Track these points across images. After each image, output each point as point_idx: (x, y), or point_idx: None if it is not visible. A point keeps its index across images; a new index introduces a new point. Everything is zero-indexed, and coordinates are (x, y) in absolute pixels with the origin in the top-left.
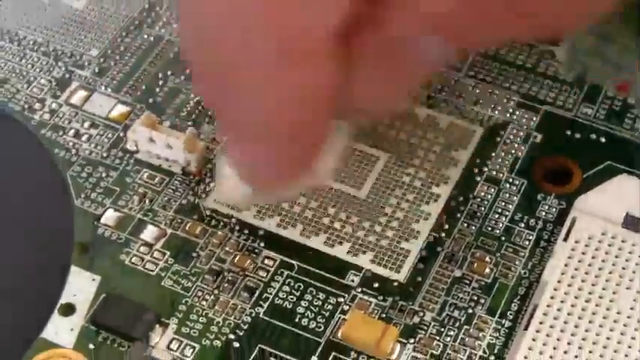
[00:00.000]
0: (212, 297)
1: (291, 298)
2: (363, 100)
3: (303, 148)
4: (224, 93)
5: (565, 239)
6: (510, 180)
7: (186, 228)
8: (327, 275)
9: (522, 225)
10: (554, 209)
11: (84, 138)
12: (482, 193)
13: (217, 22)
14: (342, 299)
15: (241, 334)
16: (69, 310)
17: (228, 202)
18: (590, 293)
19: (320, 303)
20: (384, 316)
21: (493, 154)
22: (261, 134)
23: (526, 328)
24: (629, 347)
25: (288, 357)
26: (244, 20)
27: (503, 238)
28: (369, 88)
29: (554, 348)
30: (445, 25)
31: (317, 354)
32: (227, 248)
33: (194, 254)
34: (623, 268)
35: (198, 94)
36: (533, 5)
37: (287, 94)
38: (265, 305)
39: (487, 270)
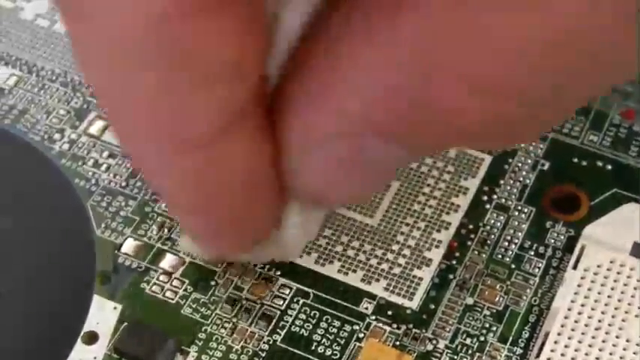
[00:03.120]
0: (230, 325)
1: (307, 326)
2: (305, 190)
3: (234, 227)
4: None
5: (574, 267)
6: (519, 208)
7: (205, 257)
8: (342, 303)
9: (532, 253)
10: (562, 237)
11: (103, 168)
12: (492, 221)
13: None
14: (357, 327)
15: None
16: (92, 338)
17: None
18: (599, 321)
19: (335, 330)
20: (397, 343)
21: (502, 182)
22: (186, 212)
23: (538, 356)
24: None
25: None
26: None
27: (513, 266)
28: (311, 181)
29: None
30: (372, 129)
31: None
32: (244, 277)
33: (212, 283)
34: (632, 296)
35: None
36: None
37: (191, 180)
38: (282, 333)
39: (498, 298)
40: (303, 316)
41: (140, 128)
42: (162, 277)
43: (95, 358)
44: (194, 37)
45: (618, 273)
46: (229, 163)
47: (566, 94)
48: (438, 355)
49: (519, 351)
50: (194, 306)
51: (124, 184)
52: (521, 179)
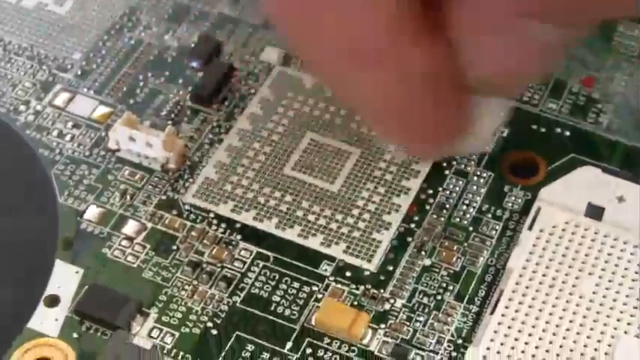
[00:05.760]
0: (191, 287)
1: (267, 288)
2: (484, 76)
3: (433, 123)
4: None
5: (530, 228)
6: (478, 173)
7: (166, 222)
8: (302, 265)
9: (489, 215)
10: (520, 200)
11: (67, 138)
12: (451, 186)
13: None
14: (315, 288)
15: (219, 322)
16: (54, 301)
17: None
18: (553, 279)
19: (295, 292)
20: (356, 303)
21: None
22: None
23: (492, 313)
24: (591, 329)
25: (265, 343)
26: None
27: (471, 228)
28: (486, 64)
29: (519, 331)
30: (538, 11)
31: (292, 340)
32: (205, 241)
33: (173, 247)
34: (586, 255)
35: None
36: None
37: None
38: (242, 295)
39: (455, 259)
40: (263, 279)
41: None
42: (124, 243)
43: (57, 320)
44: None
45: (573, 233)
46: (410, 67)
47: None
48: (395, 313)
49: (475, 309)
50: (155, 269)
51: (87, 153)
52: None
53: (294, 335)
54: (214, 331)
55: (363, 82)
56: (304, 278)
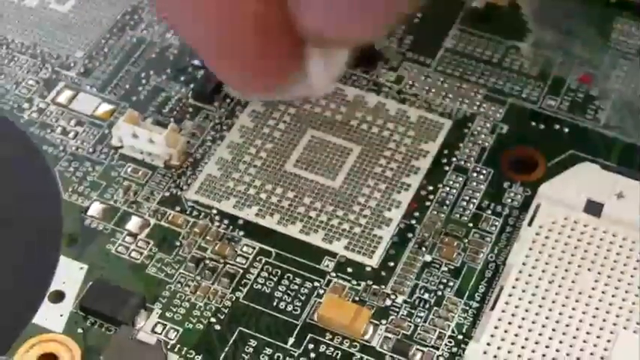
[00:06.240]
0: (194, 283)
1: (269, 283)
2: (309, 29)
3: (254, 68)
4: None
5: (529, 224)
6: (478, 169)
7: (169, 218)
8: (304, 261)
9: (489, 212)
10: (519, 196)
11: (71, 135)
12: (451, 182)
13: None
14: (317, 284)
15: (222, 317)
16: (58, 297)
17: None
18: (553, 275)
19: (297, 287)
20: (357, 299)
21: (461, 145)
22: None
23: (492, 309)
24: (591, 325)
25: (267, 338)
26: None
27: (471, 225)
28: (312, 19)
29: (519, 327)
30: None
31: (294, 335)
32: (208, 237)
33: (177, 243)
34: (585, 251)
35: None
36: None
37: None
38: (245, 290)
39: (455, 255)
40: (265, 274)
41: None
42: (127, 239)
43: (61, 315)
44: None
45: (572, 229)
46: (240, 7)
47: None
48: (397, 309)
49: (475, 304)
50: (158, 265)
51: (91, 150)
52: (480, 142)
53: (296, 331)
54: (217, 327)
55: (198, 19)
56: (306, 274)
